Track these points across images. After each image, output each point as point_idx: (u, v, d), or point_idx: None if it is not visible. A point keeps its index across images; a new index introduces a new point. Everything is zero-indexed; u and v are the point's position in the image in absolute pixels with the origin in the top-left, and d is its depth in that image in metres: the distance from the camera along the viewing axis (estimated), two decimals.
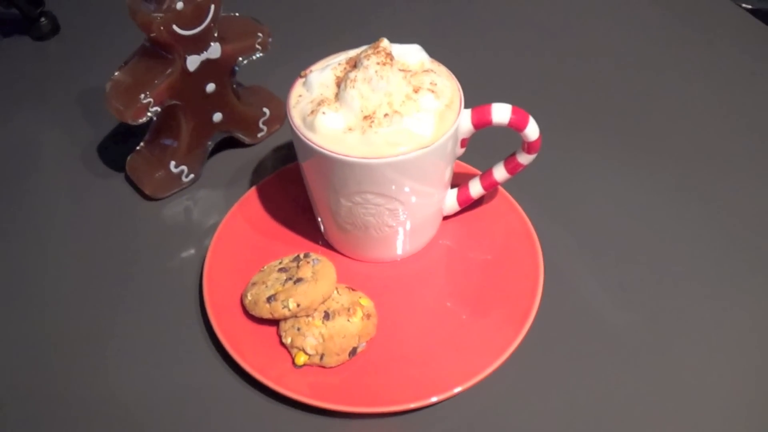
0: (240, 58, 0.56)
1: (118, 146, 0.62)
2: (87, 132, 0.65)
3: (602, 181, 0.58)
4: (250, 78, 0.61)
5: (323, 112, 0.43)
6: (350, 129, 0.43)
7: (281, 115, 0.62)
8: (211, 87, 0.55)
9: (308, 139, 0.43)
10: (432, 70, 0.46)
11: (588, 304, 0.49)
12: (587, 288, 0.50)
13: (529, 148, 0.47)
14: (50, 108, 0.69)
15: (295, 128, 0.44)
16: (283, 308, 0.45)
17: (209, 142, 0.58)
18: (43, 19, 0.77)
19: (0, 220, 0.58)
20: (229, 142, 0.60)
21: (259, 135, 0.61)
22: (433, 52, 0.49)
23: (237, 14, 0.58)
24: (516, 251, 0.50)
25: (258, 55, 0.57)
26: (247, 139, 0.61)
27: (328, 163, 0.43)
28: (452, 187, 0.51)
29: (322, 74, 0.45)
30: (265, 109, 0.60)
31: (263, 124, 0.61)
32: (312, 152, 0.43)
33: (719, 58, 0.70)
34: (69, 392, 0.47)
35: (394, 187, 0.44)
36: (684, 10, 0.76)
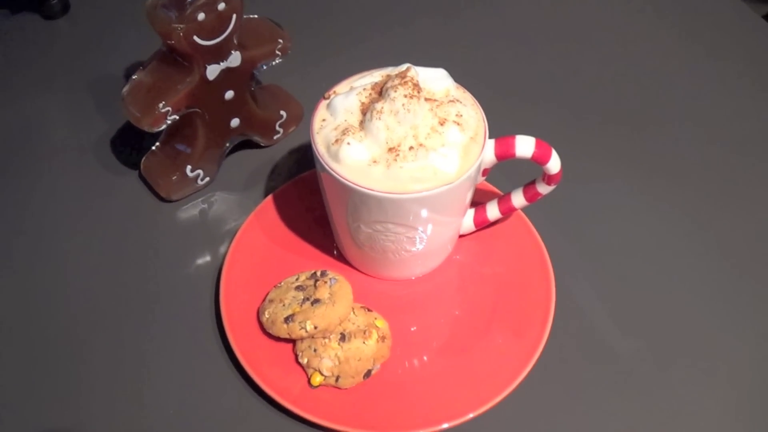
0: (260, 64, 0.55)
1: (132, 138, 0.61)
2: (98, 120, 0.65)
3: (618, 209, 0.58)
4: (265, 75, 0.60)
5: (348, 143, 0.43)
6: (375, 161, 0.43)
7: (298, 117, 0.62)
8: (230, 94, 0.54)
9: (333, 170, 0.43)
10: (458, 100, 0.46)
11: (598, 329, 0.51)
12: (597, 314, 0.51)
13: (549, 179, 0.47)
14: (60, 91, 0.68)
15: (319, 156, 0.44)
16: (300, 329, 0.46)
17: (226, 144, 0.58)
18: None
19: (5, 216, 0.58)
20: (244, 143, 0.60)
21: (276, 137, 0.61)
22: (453, 66, 0.49)
23: (256, 16, 0.57)
24: (529, 275, 0.51)
25: (278, 61, 0.56)
26: (263, 142, 0.60)
27: (351, 194, 0.43)
28: (470, 207, 0.51)
29: (347, 99, 0.45)
30: (282, 112, 0.60)
31: (279, 126, 0.60)
32: (335, 182, 0.43)
33: (747, 82, 0.70)
34: (76, 401, 0.48)
35: (415, 218, 0.44)
36: (710, 35, 0.76)
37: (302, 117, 0.62)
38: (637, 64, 0.71)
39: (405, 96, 0.43)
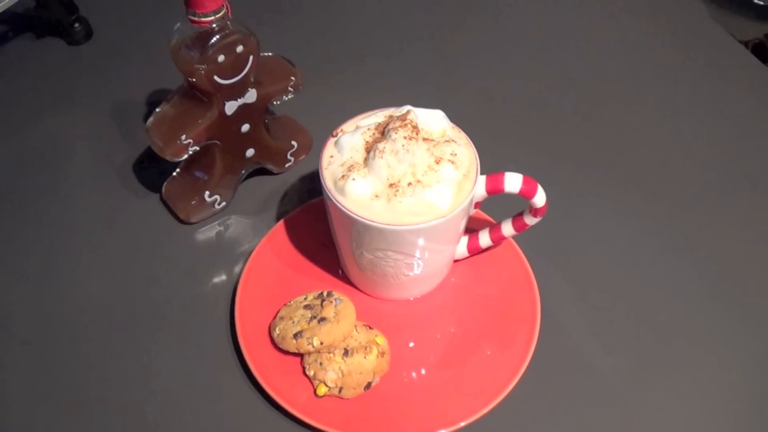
0: (273, 100, 0.60)
1: (153, 163, 0.65)
2: (121, 144, 0.70)
3: (600, 237, 0.63)
4: (277, 106, 0.65)
5: (353, 178, 0.48)
6: (377, 196, 0.48)
7: (308, 146, 0.67)
8: (246, 127, 0.59)
9: (339, 202, 0.48)
10: (453, 140, 0.50)
11: (580, 347, 0.55)
12: (579, 332, 0.56)
13: (535, 212, 0.52)
14: (83, 115, 0.73)
15: (326, 189, 0.49)
16: (308, 345, 0.51)
17: (242, 172, 0.63)
18: (77, 24, 0.80)
19: (25, 234, 0.63)
20: (258, 170, 0.65)
21: (287, 165, 0.66)
22: (450, 102, 0.54)
23: (270, 54, 0.61)
24: (517, 297, 0.56)
25: (290, 96, 0.61)
26: (275, 169, 0.65)
27: (355, 224, 0.48)
28: (464, 234, 0.56)
29: (353, 138, 0.50)
30: (293, 142, 0.65)
31: (291, 155, 0.65)
32: (341, 214, 0.48)
33: (729, 108, 0.75)
34: (97, 412, 0.52)
35: (412, 246, 0.49)
36: (693, 59, 0.81)
37: (311, 146, 0.67)
38: (616, 99, 0.76)
39: (405, 137, 0.48)
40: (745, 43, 1.38)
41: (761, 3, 1.73)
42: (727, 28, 0.84)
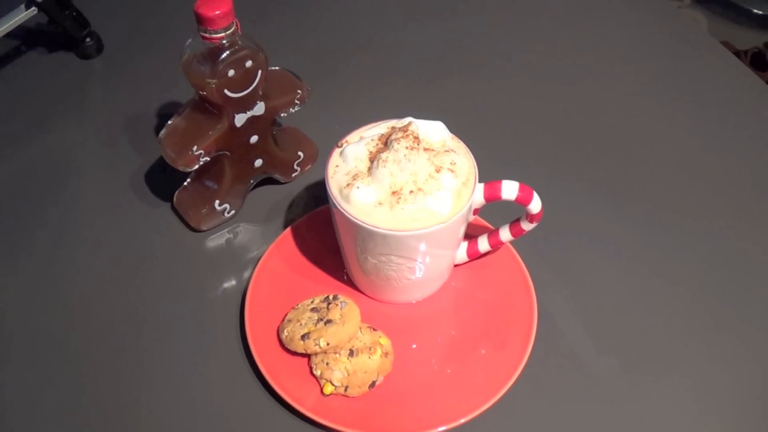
0: (281, 112, 0.63)
1: (165, 173, 0.67)
2: (134, 155, 0.72)
3: (595, 242, 0.65)
4: (284, 117, 0.66)
5: (357, 187, 0.50)
6: (380, 203, 0.50)
7: (313, 156, 0.69)
8: (254, 138, 0.62)
9: (344, 210, 0.50)
10: (452, 150, 0.53)
11: (574, 348, 0.57)
12: (574, 334, 0.58)
13: (531, 218, 0.54)
14: (96, 127, 0.76)
15: (332, 197, 0.51)
16: (315, 346, 0.53)
17: (250, 181, 0.66)
18: (88, 39, 0.83)
19: (41, 242, 0.65)
20: (266, 180, 0.68)
21: (294, 175, 0.68)
22: (449, 114, 0.56)
23: (277, 68, 0.64)
24: (515, 300, 0.58)
25: (297, 108, 0.64)
26: (282, 179, 0.68)
27: (360, 230, 0.51)
28: (464, 240, 0.58)
29: (357, 148, 0.53)
30: (300, 153, 0.67)
31: (297, 165, 0.68)
32: (346, 220, 0.51)
33: (725, 115, 0.77)
34: (110, 416, 0.54)
35: (414, 251, 0.52)
36: (685, 66, 0.83)
37: (317, 156, 0.69)
38: (610, 108, 0.78)
39: (406, 147, 0.50)
40: (744, 52, 1.40)
41: (760, 12, 1.76)
42: (727, 37, 0.85)
